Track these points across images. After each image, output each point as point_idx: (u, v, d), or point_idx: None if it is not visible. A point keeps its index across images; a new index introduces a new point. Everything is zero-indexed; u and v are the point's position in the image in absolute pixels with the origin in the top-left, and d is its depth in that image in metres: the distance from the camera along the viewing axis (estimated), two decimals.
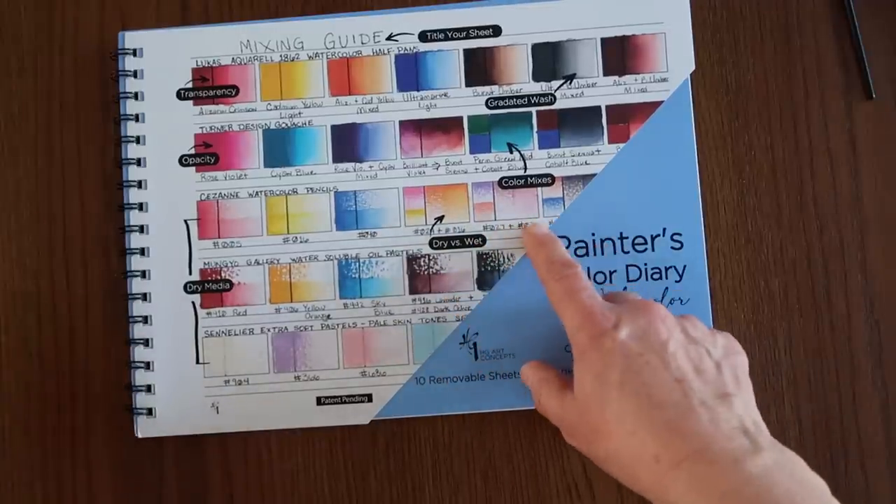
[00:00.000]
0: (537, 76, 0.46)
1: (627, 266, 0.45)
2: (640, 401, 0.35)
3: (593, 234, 0.45)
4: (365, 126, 0.46)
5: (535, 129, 0.46)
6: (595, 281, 0.45)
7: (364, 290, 0.45)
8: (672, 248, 0.45)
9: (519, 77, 0.46)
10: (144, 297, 0.45)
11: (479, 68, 0.46)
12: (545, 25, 0.46)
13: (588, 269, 0.45)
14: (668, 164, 0.45)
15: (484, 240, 0.45)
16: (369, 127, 0.46)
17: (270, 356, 0.45)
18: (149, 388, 0.45)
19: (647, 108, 0.45)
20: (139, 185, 0.46)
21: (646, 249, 0.45)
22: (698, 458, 0.33)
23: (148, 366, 0.45)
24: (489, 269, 0.45)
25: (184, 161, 0.46)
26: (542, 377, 0.41)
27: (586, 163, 0.45)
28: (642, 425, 0.35)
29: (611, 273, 0.45)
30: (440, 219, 0.45)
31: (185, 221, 0.46)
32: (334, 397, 0.45)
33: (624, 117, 0.45)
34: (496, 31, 0.46)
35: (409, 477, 0.45)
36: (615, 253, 0.45)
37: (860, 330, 0.45)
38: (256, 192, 0.46)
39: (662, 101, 0.45)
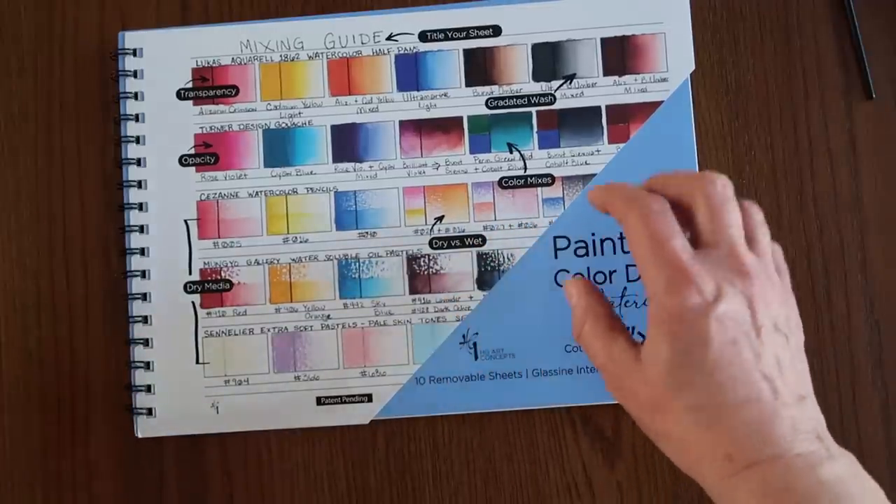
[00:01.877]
0: (537, 76, 0.46)
1: (627, 266, 0.45)
2: (726, 394, 0.32)
3: (593, 234, 0.45)
4: (365, 126, 0.46)
5: (535, 129, 0.46)
6: (595, 281, 0.45)
7: (364, 290, 0.45)
8: None
9: (519, 77, 0.46)
10: (144, 297, 0.45)
11: (479, 68, 0.46)
12: (545, 25, 0.46)
13: (588, 269, 0.45)
14: (668, 164, 0.45)
15: (484, 240, 0.45)
16: (369, 127, 0.46)
17: (270, 356, 0.45)
18: (149, 388, 0.45)
19: (647, 108, 0.45)
20: (139, 185, 0.46)
21: None
22: (775, 462, 0.31)
23: (148, 366, 0.45)
24: (489, 269, 0.45)
25: (184, 161, 0.46)
26: (592, 309, 0.36)
27: (586, 163, 0.45)
28: (721, 422, 0.32)
29: (611, 273, 0.45)
30: (440, 219, 0.45)
31: (185, 221, 0.46)
32: (334, 397, 0.45)
33: (624, 117, 0.45)
34: (496, 31, 0.46)
35: (409, 477, 0.45)
36: (615, 253, 0.45)
37: (860, 330, 0.45)
38: (256, 192, 0.46)
39: (662, 101, 0.45)
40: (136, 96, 0.46)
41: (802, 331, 0.36)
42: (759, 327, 0.33)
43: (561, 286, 0.45)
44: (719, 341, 0.32)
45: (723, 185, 0.35)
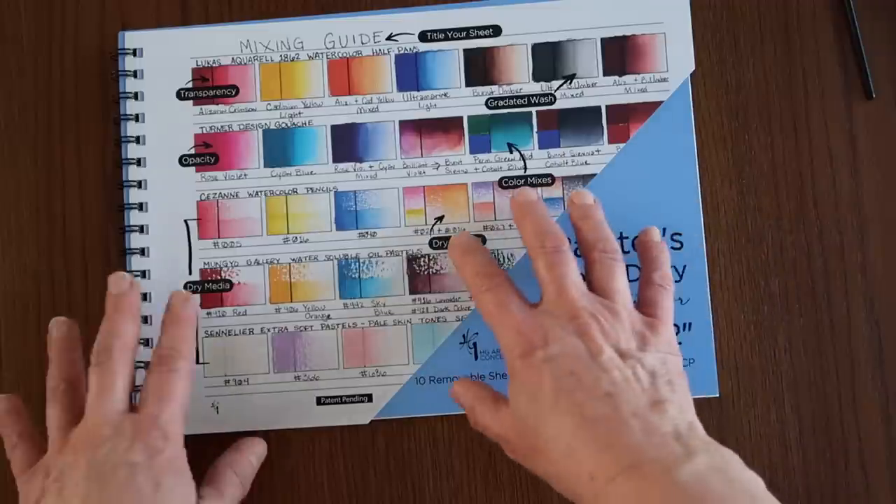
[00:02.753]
0: (537, 76, 0.46)
1: (627, 266, 0.45)
2: (574, 419, 0.35)
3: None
4: (365, 126, 0.46)
5: (535, 129, 0.46)
6: None
7: (364, 290, 0.45)
8: (672, 248, 0.45)
9: (519, 77, 0.46)
10: (145, 297, 0.45)
11: (479, 68, 0.46)
12: (545, 25, 0.46)
13: None
14: (668, 164, 0.45)
15: (484, 240, 0.45)
16: (369, 127, 0.46)
17: (270, 356, 0.45)
18: None
19: (647, 108, 0.45)
20: (139, 185, 0.46)
21: None
22: (631, 472, 0.33)
23: (147, 366, 0.45)
24: None
25: (184, 161, 0.46)
26: (476, 394, 0.40)
27: (586, 163, 0.45)
28: (576, 444, 0.34)
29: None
30: (440, 219, 0.45)
31: (185, 221, 0.46)
32: (334, 397, 0.45)
33: (624, 117, 0.45)
34: (496, 31, 0.46)
35: (409, 477, 0.45)
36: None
37: (860, 330, 0.45)
38: (256, 192, 0.46)
39: (662, 101, 0.45)
40: (136, 96, 0.46)
41: (675, 354, 0.38)
42: (594, 355, 0.36)
43: None
44: (554, 375, 0.36)
45: (553, 245, 0.39)
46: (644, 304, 0.40)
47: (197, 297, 0.44)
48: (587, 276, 0.40)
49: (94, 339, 0.46)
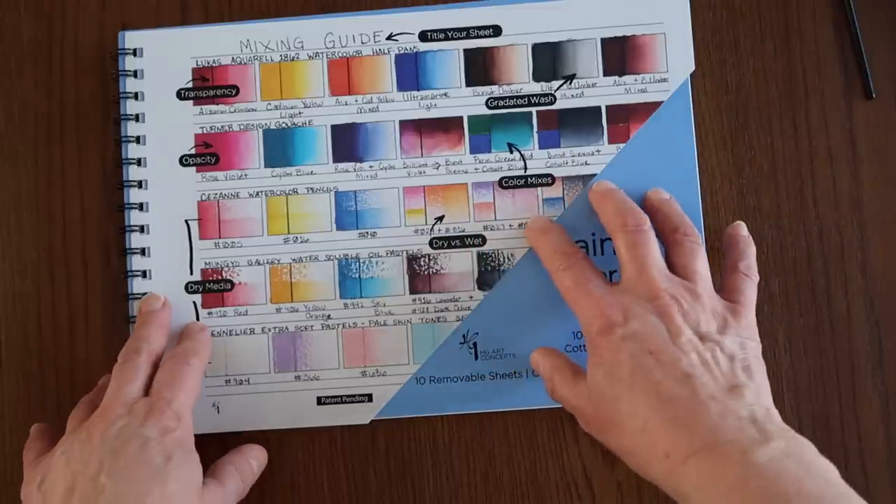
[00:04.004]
0: (537, 76, 0.46)
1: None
2: (650, 398, 0.35)
3: (593, 234, 0.45)
4: (365, 126, 0.46)
5: (536, 129, 0.46)
6: None
7: (364, 290, 0.45)
8: None
9: (519, 77, 0.46)
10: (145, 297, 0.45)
11: (479, 68, 0.46)
12: (545, 25, 0.46)
13: None
14: (668, 164, 0.45)
15: (484, 240, 0.45)
16: (369, 127, 0.46)
17: (271, 356, 0.45)
18: None
19: (647, 108, 0.45)
20: (139, 185, 0.46)
21: None
22: (706, 452, 0.33)
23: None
24: (489, 269, 0.45)
25: (184, 161, 0.46)
26: (554, 364, 0.41)
27: (586, 163, 0.45)
28: (652, 422, 0.35)
29: (611, 273, 0.45)
30: (440, 219, 0.45)
31: (186, 221, 0.46)
32: (334, 397, 0.45)
33: (624, 117, 0.45)
34: (496, 31, 0.46)
35: (409, 477, 0.45)
36: (615, 253, 0.45)
37: (860, 330, 0.45)
38: (257, 192, 0.46)
39: (662, 101, 0.45)
40: (136, 96, 0.46)
41: (754, 340, 0.39)
42: (677, 334, 0.37)
43: None
44: (631, 355, 0.36)
45: (635, 223, 0.40)
46: (726, 291, 0.41)
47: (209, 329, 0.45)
48: (667, 259, 0.41)
49: (94, 339, 0.46)
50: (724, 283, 0.42)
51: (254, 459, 0.43)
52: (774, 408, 0.36)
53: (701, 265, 0.40)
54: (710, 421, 0.34)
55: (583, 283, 0.39)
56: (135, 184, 0.46)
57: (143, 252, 0.45)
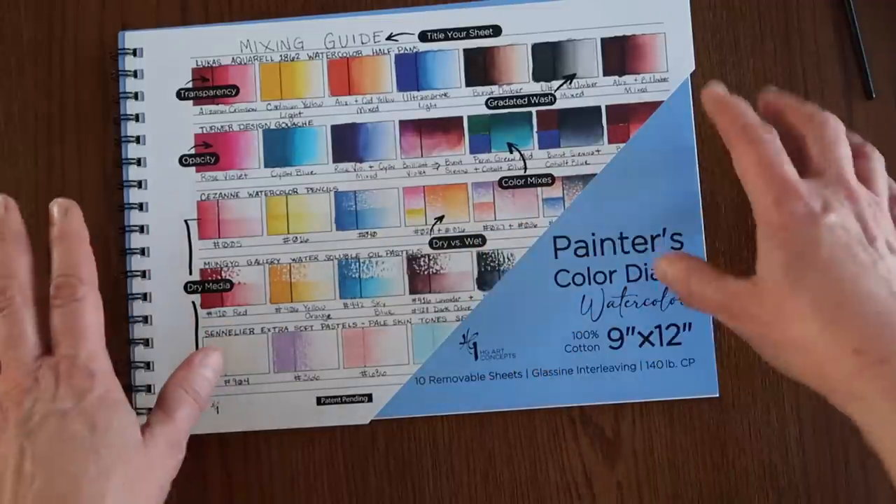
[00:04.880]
0: (537, 76, 0.46)
1: (627, 266, 0.45)
2: (847, 287, 0.33)
3: (593, 234, 0.45)
4: (365, 126, 0.46)
5: (535, 129, 0.46)
6: (595, 281, 0.45)
7: (364, 290, 0.45)
8: (672, 248, 0.45)
9: (519, 77, 0.46)
10: (144, 297, 0.45)
11: (479, 68, 0.46)
12: (545, 25, 0.46)
13: (588, 269, 0.45)
14: (668, 164, 0.45)
15: (484, 240, 0.45)
16: (369, 127, 0.46)
17: (271, 356, 0.45)
18: (149, 388, 0.45)
19: (647, 108, 0.45)
20: (139, 185, 0.46)
21: (646, 249, 0.45)
22: None
23: (148, 366, 0.45)
24: (489, 269, 0.45)
25: (184, 161, 0.46)
26: (688, 265, 0.39)
27: (586, 163, 0.45)
28: (847, 313, 0.33)
29: (611, 273, 0.45)
30: (440, 219, 0.45)
31: (186, 221, 0.46)
32: (334, 397, 0.45)
33: (624, 117, 0.45)
34: (496, 31, 0.46)
35: (409, 477, 0.45)
36: (615, 253, 0.45)
37: None
38: (256, 192, 0.46)
39: (662, 101, 0.45)
40: (136, 96, 0.46)
41: None
42: (873, 238, 0.34)
43: (561, 286, 0.45)
44: (831, 243, 0.34)
45: (835, 124, 0.38)
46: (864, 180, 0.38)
47: (77, 206, 0.39)
48: (805, 151, 0.38)
49: None
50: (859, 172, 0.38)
51: (205, 368, 0.39)
52: None
53: (882, 184, 0.38)
54: None
55: (774, 162, 0.36)
56: (135, 184, 0.46)
57: (142, 252, 0.45)
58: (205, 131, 0.46)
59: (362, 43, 0.46)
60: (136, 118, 0.46)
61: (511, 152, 0.46)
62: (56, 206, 0.38)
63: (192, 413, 0.38)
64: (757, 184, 0.36)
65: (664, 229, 0.45)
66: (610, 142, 0.45)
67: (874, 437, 0.32)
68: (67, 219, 0.38)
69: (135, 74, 0.46)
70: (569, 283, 0.45)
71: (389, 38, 0.46)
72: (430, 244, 0.45)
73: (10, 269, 0.37)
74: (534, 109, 0.46)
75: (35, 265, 0.38)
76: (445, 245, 0.45)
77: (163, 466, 0.37)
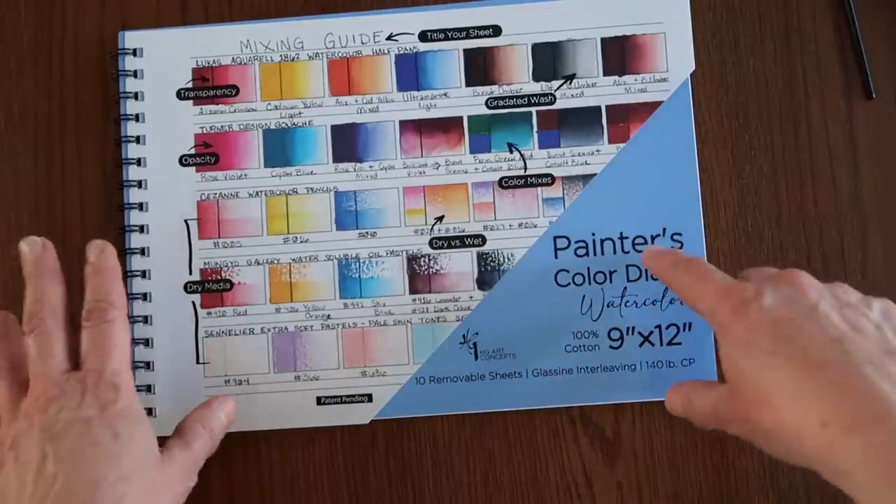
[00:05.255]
0: (537, 76, 0.46)
1: (627, 266, 0.45)
2: (798, 364, 0.33)
3: (593, 234, 0.45)
4: (365, 126, 0.46)
5: (535, 128, 0.46)
6: (595, 281, 0.45)
7: (364, 290, 0.45)
8: (672, 248, 0.45)
9: (519, 77, 0.46)
10: (144, 297, 0.45)
11: (479, 68, 0.46)
12: (545, 25, 0.46)
13: (588, 269, 0.45)
14: (668, 164, 0.45)
15: (484, 240, 0.45)
16: (369, 127, 0.46)
17: (270, 356, 0.45)
18: (149, 388, 0.45)
19: (647, 108, 0.45)
20: (139, 185, 0.46)
21: None
22: (875, 424, 0.30)
23: (148, 366, 0.45)
24: (489, 269, 0.45)
25: (184, 161, 0.46)
26: (687, 389, 0.39)
27: (586, 163, 0.45)
28: (804, 388, 0.32)
29: (611, 273, 0.45)
30: (440, 219, 0.45)
31: (186, 221, 0.46)
32: (334, 397, 0.45)
33: (624, 117, 0.45)
34: (496, 31, 0.46)
35: (409, 477, 0.45)
36: (615, 253, 0.45)
37: None
38: (256, 192, 0.46)
39: (662, 101, 0.45)
40: (136, 96, 0.46)
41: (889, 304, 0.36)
42: (814, 304, 0.34)
43: (561, 286, 0.45)
44: (772, 322, 0.34)
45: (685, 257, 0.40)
46: None
47: (112, 246, 0.41)
48: None
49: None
50: None
51: (222, 412, 0.42)
52: None
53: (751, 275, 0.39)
54: (873, 387, 0.30)
55: (706, 274, 0.38)
56: (134, 184, 0.46)
57: (142, 252, 0.45)
58: (205, 131, 0.46)
59: (362, 43, 0.46)
60: (136, 118, 0.46)
61: (511, 152, 0.46)
62: (92, 247, 0.40)
63: (207, 446, 0.40)
64: (699, 299, 0.37)
65: (664, 229, 0.45)
66: (610, 142, 0.45)
67: None
68: (103, 255, 0.40)
69: (135, 74, 0.46)
70: (569, 283, 0.45)
71: (389, 38, 0.46)
72: (430, 244, 0.45)
73: (44, 296, 0.39)
74: (534, 109, 0.46)
75: (67, 297, 0.40)
76: (445, 245, 0.45)
77: (176, 487, 0.39)
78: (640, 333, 0.44)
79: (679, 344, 0.44)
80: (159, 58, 0.46)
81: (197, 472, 0.40)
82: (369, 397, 0.45)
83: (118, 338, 0.38)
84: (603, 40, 0.46)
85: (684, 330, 0.44)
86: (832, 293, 0.35)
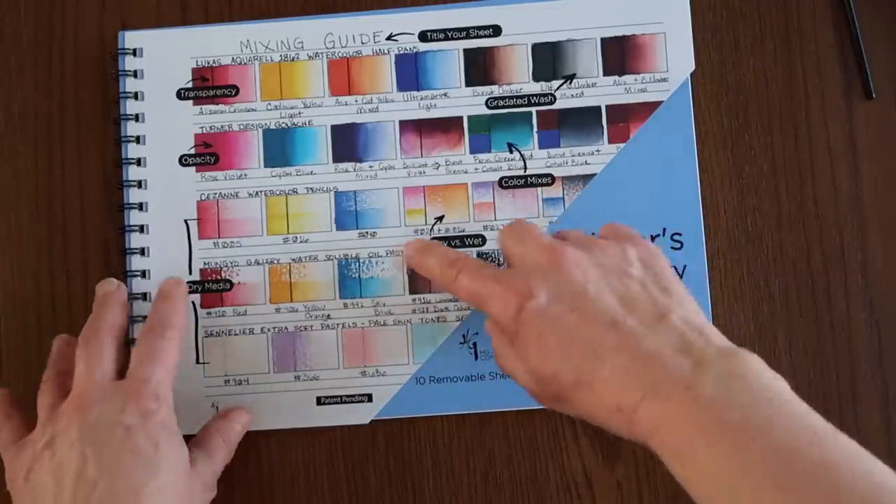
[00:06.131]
0: (537, 76, 0.46)
1: None
2: (584, 359, 0.34)
3: (593, 235, 0.45)
4: (365, 126, 0.46)
5: (535, 128, 0.46)
6: None
7: (364, 289, 0.45)
8: (672, 248, 0.45)
9: (519, 77, 0.46)
10: (144, 296, 0.45)
11: (479, 68, 0.46)
12: (545, 25, 0.46)
13: None
14: (668, 164, 0.45)
15: (484, 240, 0.45)
16: (369, 127, 0.46)
17: (270, 356, 0.45)
18: None
19: (647, 108, 0.45)
20: (139, 185, 0.46)
21: None
22: (653, 395, 0.32)
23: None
24: None
25: (184, 161, 0.46)
26: (506, 364, 0.39)
27: (586, 163, 0.45)
28: (596, 380, 0.34)
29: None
30: (440, 219, 0.45)
31: (185, 221, 0.46)
32: (334, 397, 0.45)
33: (624, 117, 0.45)
34: (496, 31, 0.46)
35: (409, 477, 0.45)
36: None
37: (860, 330, 0.45)
38: (256, 192, 0.46)
39: (662, 101, 0.45)
40: (136, 96, 0.46)
41: (659, 256, 0.38)
42: (583, 290, 0.35)
43: None
44: (550, 323, 0.35)
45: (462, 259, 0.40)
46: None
47: (184, 283, 0.44)
48: None
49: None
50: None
51: (238, 424, 0.43)
52: (709, 324, 0.35)
53: (510, 247, 0.39)
54: (648, 362, 0.33)
55: (479, 277, 0.38)
56: (134, 184, 0.46)
57: (142, 252, 0.45)
58: (205, 131, 0.46)
59: (362, 43, 0.46)
60: (136, 118, 0.46)
61: (511, 152, 0.46)
62: (168, 281, 0.43)
63: (226, 458, 0.42)
64: (482, 307, 0.38)
65: (664, 229, 0.45)
66: (610, 142, 0.45)
67: (690, 490, 0.32)
68: (176, 286, 0.42)
69: (135, 74, 0.46)
70: None
71: (389, 38, 0.46)
72: None
73: (104, 315, 0.41)
74: (534, 109, 0.46)
75: (128, 324, 0.43)
76: (446, 245, 0.45)
77: (201, 498, 0.40)
78: None
79: None
80: (159, 58, 0.46)
81: (216, 483, 0.41)
82: (369, 397, 0.45)
83: (169, 355, 0.40)
84: (603, 40, 0.46)
85: None
86: (595, 262, 0.36)
